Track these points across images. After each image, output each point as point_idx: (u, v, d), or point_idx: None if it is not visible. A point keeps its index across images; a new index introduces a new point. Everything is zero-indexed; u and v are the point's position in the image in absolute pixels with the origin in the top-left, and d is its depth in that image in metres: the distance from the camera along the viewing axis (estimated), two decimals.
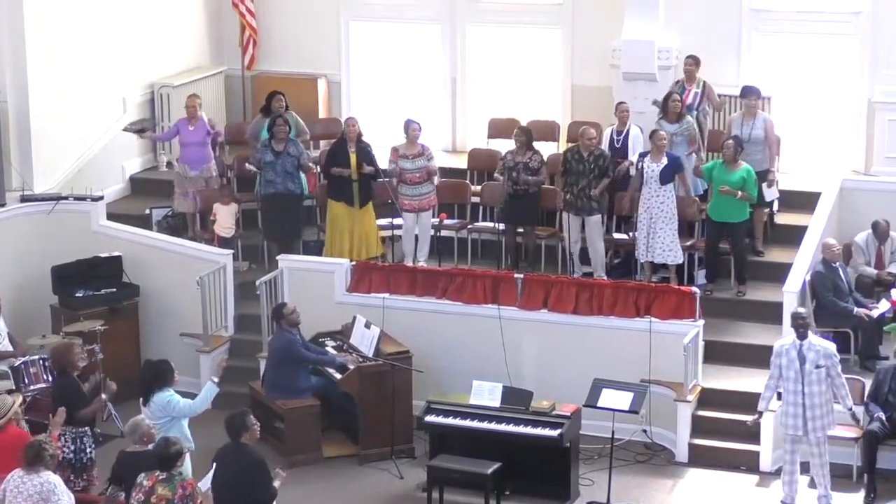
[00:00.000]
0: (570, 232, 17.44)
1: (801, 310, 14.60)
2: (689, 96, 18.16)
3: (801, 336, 14.08)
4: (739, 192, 16.81)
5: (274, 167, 17.90)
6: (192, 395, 13.51)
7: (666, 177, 16.96)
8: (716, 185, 16.97)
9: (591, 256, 17.48)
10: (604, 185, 17.34)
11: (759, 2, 19.09)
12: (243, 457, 12.13)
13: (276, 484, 12.20)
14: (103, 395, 13.90)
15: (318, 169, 18.61)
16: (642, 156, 17.26)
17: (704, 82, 18.34)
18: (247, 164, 18.25)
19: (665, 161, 17.01)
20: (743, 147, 17.08)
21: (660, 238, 16.98)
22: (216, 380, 13.57)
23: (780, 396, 14.34)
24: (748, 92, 17.75)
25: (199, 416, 13.46)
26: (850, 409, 14.29)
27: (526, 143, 17.71)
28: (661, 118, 17.73)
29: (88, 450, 13.62)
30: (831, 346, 14.23)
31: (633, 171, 17.48)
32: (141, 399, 13.47)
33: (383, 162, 18.02)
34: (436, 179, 18.08)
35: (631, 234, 17.53)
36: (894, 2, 18.25)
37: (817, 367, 13.96)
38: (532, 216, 17.86)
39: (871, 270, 16.86)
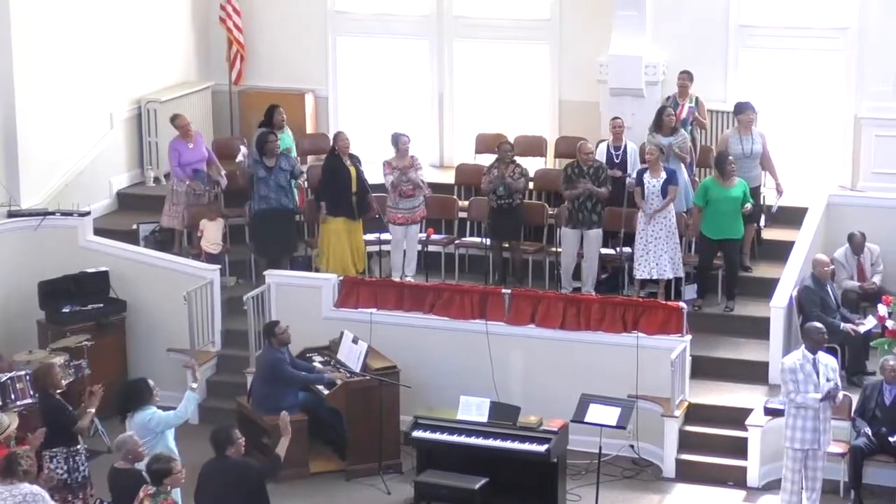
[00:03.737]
0: (567, 247, 17.37)
1: (819, 325, 14.36)
2: (682, 111, 18.18)
3: (814, 350, 14.02)
4: (749, 206, 16.86)
5: (267, 182, 17.86)
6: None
7: (666, 191, 16.97)
8: (714, 202, 16.90)
9: (584, 271, 17.45)
10: (603, 193, 17.25)
11: (746, 17, 19.14)
12: (228, 469, 12.10)
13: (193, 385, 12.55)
14: (90, 410, 13.79)
15: (306, 183, 18.63)
16: (640, 172, 17.25)
17: (697, 98, 18.39)
18: (247, 168, 18.15)
19: (664, 175, 17.01)
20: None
21: (667, 252, 16.93)
22: (194, 386, 13.46)
23: (778, 412, 14.28)
24: (744, 108, 17.71)
25: (186, 430, 13.40)
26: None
27: (511, 157, 17.77)
28: (655, 131, 17.72)
29: (82, 468, 13.56)
30: (833, 361, 14.20)
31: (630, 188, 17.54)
32: (119, 417, 13.40)
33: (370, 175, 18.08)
34: (425, 192, 18.06)
35: (619, 249, 17.50)
36: (881, 18, 18.31)
37: (828, 380, 13.92)
38: (516, 230, 17.85)
39: (855, 283, 16.88)
